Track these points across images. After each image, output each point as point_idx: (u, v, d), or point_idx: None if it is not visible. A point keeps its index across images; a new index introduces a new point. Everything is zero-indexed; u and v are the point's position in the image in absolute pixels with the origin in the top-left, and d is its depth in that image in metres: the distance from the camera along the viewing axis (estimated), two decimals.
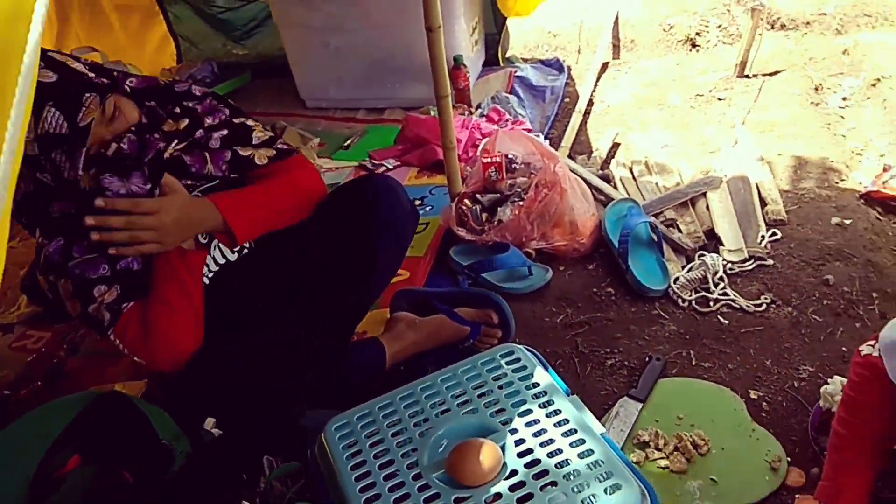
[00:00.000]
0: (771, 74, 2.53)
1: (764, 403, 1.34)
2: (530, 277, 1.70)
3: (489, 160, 1.85)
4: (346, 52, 2.53)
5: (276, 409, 1.12)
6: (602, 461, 0.88)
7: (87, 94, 1.00)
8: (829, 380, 1.27)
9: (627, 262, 1.65)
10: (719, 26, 3.03)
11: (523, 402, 0.97)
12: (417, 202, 2.06)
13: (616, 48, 2.98)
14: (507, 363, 1.05)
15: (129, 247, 1.07)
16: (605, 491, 0.84)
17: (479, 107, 2.45)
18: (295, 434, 1.10)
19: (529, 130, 2.24)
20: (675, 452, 1.26)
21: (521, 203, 1.78)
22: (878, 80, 2.35)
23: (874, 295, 1.53)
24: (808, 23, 2.95)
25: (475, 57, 2.65)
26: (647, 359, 1.46)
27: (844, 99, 2.36)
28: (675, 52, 2.95)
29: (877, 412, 0.97)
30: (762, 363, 1.42)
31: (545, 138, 2.28)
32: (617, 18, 3.01)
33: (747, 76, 2.54)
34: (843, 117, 2.27)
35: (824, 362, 1.40)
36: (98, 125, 1.04)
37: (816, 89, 2.43)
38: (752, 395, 1.36)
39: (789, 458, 1.22)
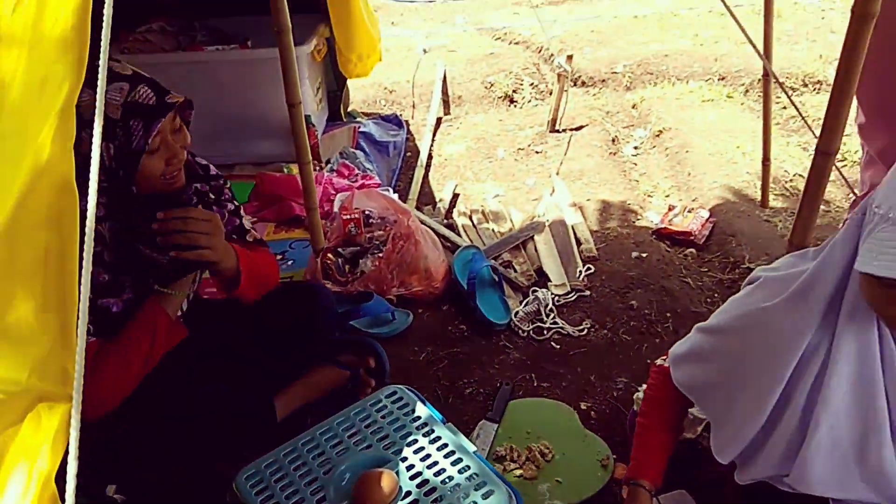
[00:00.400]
0: (577, 129, 2.98)
1: (592, 412, 1.65)
2: (394, 322, 1.91)
3: (348, 216, 2.05)
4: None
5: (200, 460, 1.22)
6: (477, 474, 1.10)
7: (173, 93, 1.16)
8: (639, 388, 1.60)
9: (475, 301, 1.92)
10: (532, 84, 3.48)
11: (409, 433, 1.18)
12: (279, 256, 2.20)
13: (446, 104, 3.31)
14: (391, 402, 1.25)
15: (189, 250, 1.16)
16: (483, 496, 1.07)
17: (328, 162, 2.64)
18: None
19: (378, 185, 2.46)
20: (527, 462, 1.52)
21: (380, 255, 1.99)
22: (661, 131, 2.87)
23: (668, 315, 1.92)
24: (603, 80, 3.48)
25: (320, 114, 2.84)
26: (498, 385, 1.72)
27: (636, 148, 2.85)
28: (497, 108, 3.34)
29: (668, 406, 1.28)
30: (588, 378, 1.74)
31: (393, 191, 2.52)
32: (445, 76, 3.35)
33: (558, 131, 2.97)
34: (635, 164, 2.75)
35: (635, 374, 1.74)
36: (166, 129, 1.16)
37: (613, 140, 2.91)
38: (583, 406, 1.67)
39: (615, 456, 1.52)
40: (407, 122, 3.09)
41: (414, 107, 3.34)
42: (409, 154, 2.87)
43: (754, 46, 1.80)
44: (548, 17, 3.68)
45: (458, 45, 3.89)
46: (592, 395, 1.70)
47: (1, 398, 0.71)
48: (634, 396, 1.58)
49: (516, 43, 3.94)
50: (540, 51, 3.80)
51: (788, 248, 1.32)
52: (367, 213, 2.10)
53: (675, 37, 3.79)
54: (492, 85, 3.44)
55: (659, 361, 1.31)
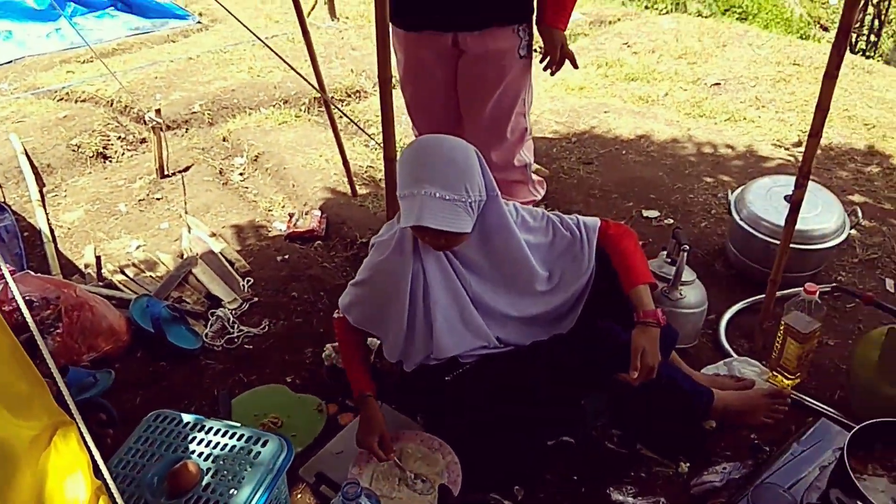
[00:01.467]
0: (185, 170, 3.32)
1: (297, 381, 2.14)
2: (98, 382, 2.08)
3: (10, 308, 2.09)
4: None
5: None
6: (250, 435, 1.52)
7: None
8: (325, 347, 2.14)
9: (166, 337, 2.20)
10: (120, 137, 3.63)
11: (185, 434, 1.52)
12: None
13: (38, 176, 3.27)
14: (158, 422, 1.56)
15: None
16: (262, 445, 1.49)
17: None
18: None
19: (13, 271, 2.46)
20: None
21: (58, 331, 2.11)
22: (257, 155, 3.39)
23: (321, 293, 2.49)
24: (187, 121, 3.83)
25: None
26: (216, 393, 2.07)
27: (241, 174, 3.32)
28: (94, 168, 3.42)
29: (354, 338, 1.84)
30: (283, 358, 2.22)
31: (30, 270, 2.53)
32: (25, 150, 3.30)
33: (168, 175, 3.26)
34: (247, 188, 3.22)
35: (318, 341, 2.27)
36: None
37: (221, 172, 3.33)
38: (288, 379, 2.14)
39: (325, 401, 2.04)
40: (6, 205, 3.01)
41: (1, 187, 3.22)
42: (26, 234, 2.85)
43: (299, 74, 2.45)
44: (105, 71, 3.83)
45: (21, 114, 3.77)
46: (293, 369, 2.18)
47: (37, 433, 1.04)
48: (323, 355, 2.12)
49: (84, 101, 3.98)
50: (112, 104, 3.93)
51: (386, 220, 1.98)
52: (27, 298, 2.16)
53: (234, 72, 4.32)
54: (79, 147, 3.49)
55: (336, 315, 1.86)
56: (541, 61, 2.35)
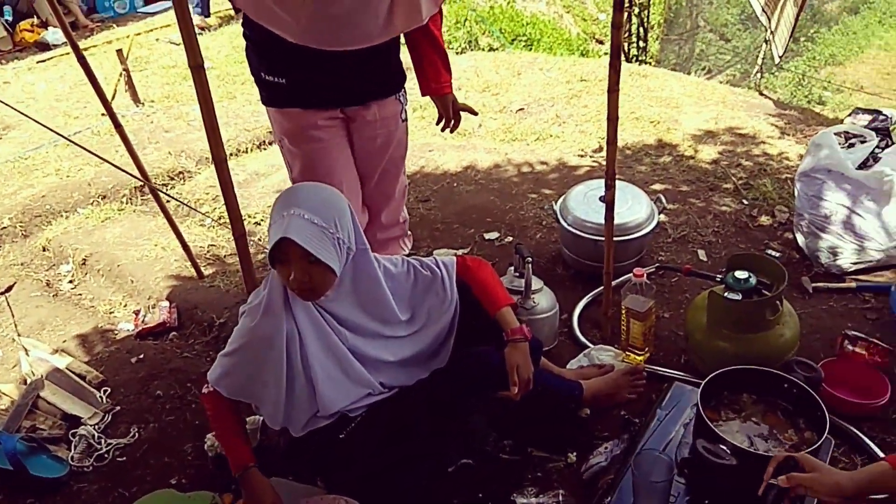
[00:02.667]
0: (7, 290, 3.05)
1: (183, 480, 2.05)
2: None
3: None
4: None
5: None
6: None
7: None
8: (206, 438, 2.07)
9: (28, 471, 2.01)
10: None
11: None
12: None
13: None
14: None
15: None
16: None
17: None
18: None
19: None
20: None
21: None
22: (85, 258, 3.19)
23: (189, 385, 2.40)
24: None
25: None
26: None
27: (71, 282, 3.12)
28: None
29: (228, 411, 1.77)
30: (161, 461, 2.11)
31: None
32: None
33: None
34: (80, 294, 3.03)
35: (199, 431, 2.18)
36: None
37: (48, 284, 3.10)
38: (173, 481, 2.04)
39: (223, 492, 1.96)
40: None
41: None
42: None
43: (115, 165, 2.39)
44: None
45: None
46: (175, 470, 2.08)
47: None
48: (206, 447, 2.05)
49: None
50: None
51: (243, 293, 1.98)
52: None
53: (40, 177, 4.03)
54: None
55: (205, 391, 1.81)
56: (437, 123, 2.47)
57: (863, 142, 2.73)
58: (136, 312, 2.78)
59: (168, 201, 3.33)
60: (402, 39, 2.26)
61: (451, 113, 2.42)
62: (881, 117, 2.91)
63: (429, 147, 4.04)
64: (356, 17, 1.74)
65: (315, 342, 1.66)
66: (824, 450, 1.75)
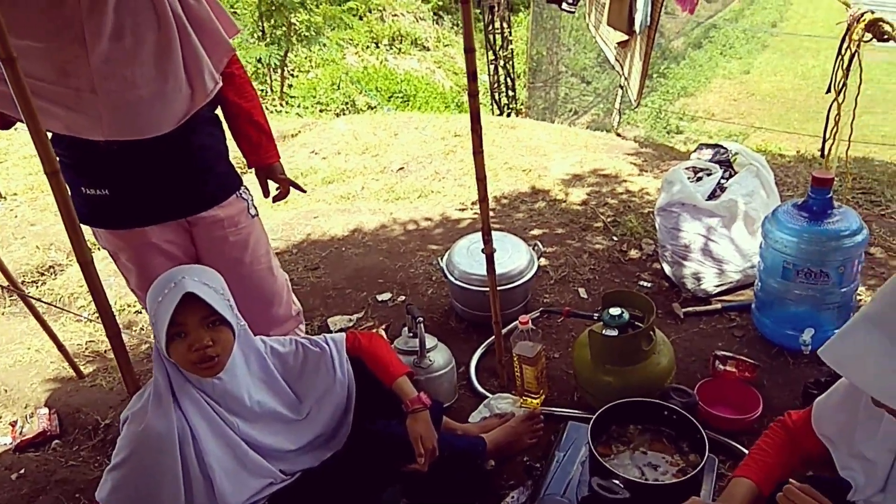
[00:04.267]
0: None
1: None
2: None
3: None
4: None
5: None
6: None
7: None
8: None
9: None
10: None
11: None
12: None
13: None
14: None
15: None
16: None
17: None
18: None
19: None
20: None
21: None
22: None
23: (78, 496, 2.25)
24: None
25: None
26: None
27: None
28: None
29: None
30: None
31: None
32: None
33: None
34: None
35: None
36: None
37: None
38: None
39: None
40: None
41: None
42: None
43: None
44: None
45: None
46: None
47: None
48: None
49: None
50: None
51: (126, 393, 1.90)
52: None
53: None
54: None
55: None
56: (265, 196, 2.34)
57: (709, 174, 3.01)
58: (13, 424, 2.59)
59: (37, 301, 3.14)
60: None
61: (277, 181, 2.30)
62: (721, 150, 3.21)
63: (313, 213, 4.06)
64: (155, 102, 1.78)
65: (208, 435, 1.61)
66: (709, 468, 1.89)
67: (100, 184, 1.90)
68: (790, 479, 1.25)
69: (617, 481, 1.63)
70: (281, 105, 7.17)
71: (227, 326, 1.61)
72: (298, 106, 7.23)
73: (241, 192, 2.17)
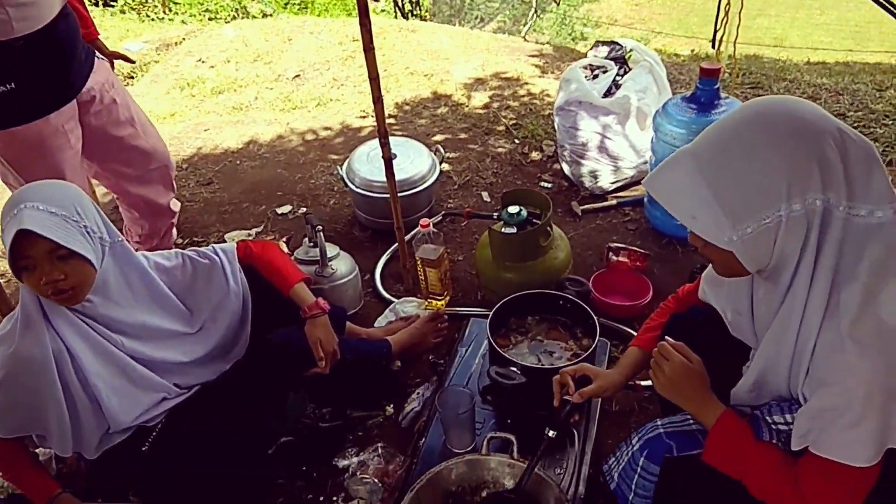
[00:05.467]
0: None
1: None
2: None
3: None
4: None
5: None
6: None
7: None
8: None
9: None
10: None
11: None
12: None
13: None
14: None
15: None
16: None
17: None
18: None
19: None
20: None
21: None
22: None
23: None
24: None
25: None
26: None
27: None
28: None
29: (6, 447, 1.66)
30: None
31: None
32: None
33: None
34: None
35: None
36: None
37: None
38: None
39: None
40: None
41: None
42: None
43: None
44: None
45: None
46: None
47: None
48: None
49: None
50: None
51: None
52: None
53: None
54: None
55: None
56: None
57: (605, 72, 3.02)
58: None
59: None
60: None
61: (103, 54, 2.40)
62: (617, 48, 3.22)
63: (203, 126, 3.84)
64: None
65: (89, 355, 1.53)
66: (601, 351, 1.98)
67: (4, 80, 1.88)
68: (665, 337, 1.33)
69: (514, 368, 1.69)
70: (164, 12, 6.60)
71: (81, 259, 1.45)
72: (184, 13, 6.69)
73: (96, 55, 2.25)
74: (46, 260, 1.42)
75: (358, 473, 1.78)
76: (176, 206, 2.61)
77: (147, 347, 1.63)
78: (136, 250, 1.67)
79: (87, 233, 1.47)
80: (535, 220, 2.24)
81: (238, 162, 3.49)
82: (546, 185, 3.04)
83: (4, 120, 1.94)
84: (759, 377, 1.18)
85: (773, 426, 1.14)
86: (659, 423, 1.35)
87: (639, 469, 1.31)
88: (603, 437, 1.83)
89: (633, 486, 1.33)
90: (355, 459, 1.83)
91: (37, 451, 1.83)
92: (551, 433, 1.44)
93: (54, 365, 1.48)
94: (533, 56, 4.33)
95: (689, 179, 1.04)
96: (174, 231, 2.72)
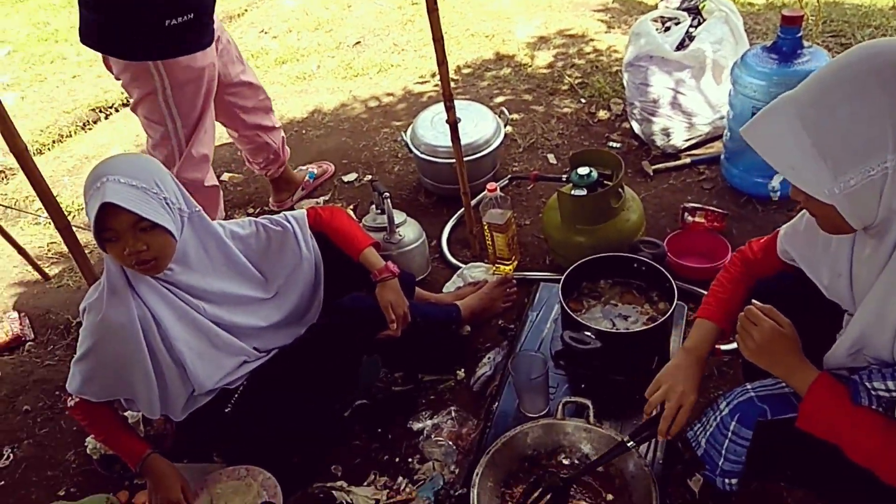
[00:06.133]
0: None
1: (72, 489, 1.95)
2: None
3: None
4: None
5: None
6: None
7: None
8: (86, 441, 1.97)
9: None
10: None
11: None
12: None
13: None
14: None
15: None
16: None
17: None
18: None
19: None
20: None
21: None
22: None
23: (58, 394, 2.25)
24: None
25: None
26: None
27: None
28: None
29: (98, 411, 1.75)
30: (44, 475, 2.00)
31: None
32: None
33: None
34: None
35: (79, 437, 2.07)
36: None
37: None
38: (61, 493, 1.94)
39: (116, 492, 1.90)
40: None
41: None
42: None
43: None
44: None
45: None
46: (61, 481, 1.98)
47: None
48: (88, 450, 1.95)
49: None
50: None
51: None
52: None
53: None
54: None
55: (70, 404, 1.68)
56: None
57: (677, 23, 2.88)
58: None
59: None
60: None
61: None
62: None
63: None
64: None
65: (173, 320, 1.59)
66: (678, 315, 1.92)
67: (184, 9, 2.00)
68: (753, 301, 1.27)
69: (588, 333, 1.66)
70: None
71: (161, 230, 1.49)
72: None
73: None
74: (129, 232, 1.46)
75: (432, 436, 1.80)
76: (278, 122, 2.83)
77: (227, 313, 1.68)
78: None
79: (167, 204, 1.51)
80: (605, 182, 2.17)
81: (303, 131, 3.52)
82: (615, 144, 2.95)
83: (186, 47, 2.08)
84: (857, 341, 1.12)
85: (874, 392, 1.07)
86: (749, 386, 1.29)
87: (729, 434, 1.26)
88: None
89: (724, 451, 1.28)
90: (429, 422, 1.84)
91: (125, 413, 1.92)
92: (630, 443, 1.42)
93: (141, 331, 1.54)
94: (598, 11, 4.17)
95: (789, 126, 0.98)
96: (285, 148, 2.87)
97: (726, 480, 1.31)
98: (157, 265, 1.53)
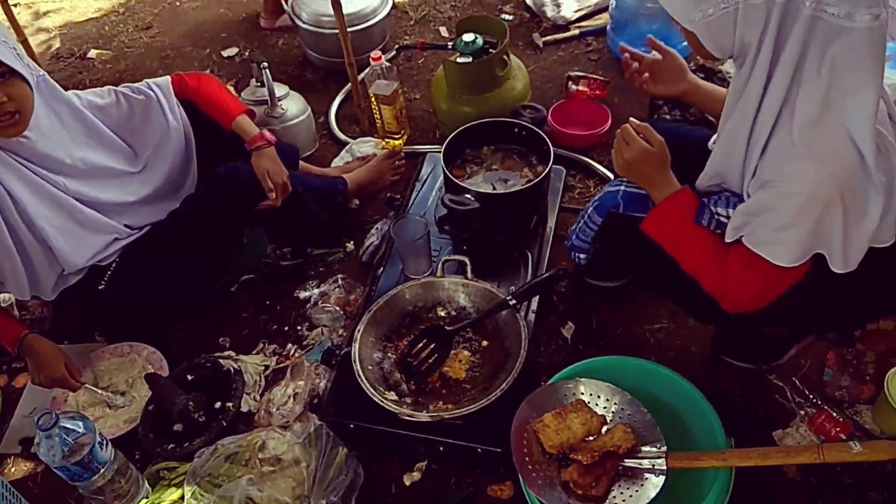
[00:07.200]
0: None
1: None
2: None
3: None
4: None
5: None
6: None
7: None
8: None
9: None
10: None
11: None
12: None
13: None
14: None
15: None
16: None
17: None
18: None
19: None
20: None
21: None
22: None
23: None
24: None
25: None
26: None
27: None
28: None
29: None
30: None
31: None
32: None
33: None
34: None
35: None
36: None
37: None
38: None
39: None
40: None
41: None
42: None
43: None
44: None
45: None
46: None
47: None
48: None
49: None
50: None
51: None
52: None
53: None
54: None
55: None
56: None
57: None
58: None
59: None
60: None
61: None
62: None
63: None
64: None
65: (30, 197, 1.48)
66: (556, 177, 1.98)
67: None
68: (630, 118, 1.33)
69: (468, 195, 1.68)
70: None
71: (19, 78, 1.40)
72: None
73: None
74: None
75: (320, 303, 1.82)
76: None
77: (91, 188, 1.59)
78: None
79: (16, 55, 1.40)
80: (491, 50, 2.15)
81: (178, 3, 3.25)
82: (507, 17, 2.90)
83: None
84: (715, 170, 1.20)
85: (716, 216, 1.17)
86: (625, 181, 1.41)
87: (585, 217, 1.48)
88: (556, 258, 1.85)
89: (577, 230, 1.49)
90: (316, 291, 1.86)
91: None
92: (512, 301, 1.49)
93: None
94: None
95: None
96: None
97: (574, 254, 1.60)
98: (20, 119, 1.43)
